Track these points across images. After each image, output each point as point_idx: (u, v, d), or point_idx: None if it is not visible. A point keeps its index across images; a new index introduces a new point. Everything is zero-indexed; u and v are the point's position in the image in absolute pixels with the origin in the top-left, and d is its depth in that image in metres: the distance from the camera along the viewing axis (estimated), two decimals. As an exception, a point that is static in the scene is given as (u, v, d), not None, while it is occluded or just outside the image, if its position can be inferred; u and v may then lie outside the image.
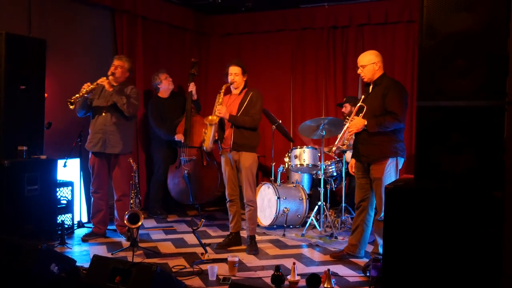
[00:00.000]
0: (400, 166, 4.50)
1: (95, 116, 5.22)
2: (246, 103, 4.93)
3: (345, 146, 4.58)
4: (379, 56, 4.52)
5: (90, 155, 5.34)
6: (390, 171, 4.42)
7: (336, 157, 6.15)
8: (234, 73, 4.96)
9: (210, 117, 4.91)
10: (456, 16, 2.78)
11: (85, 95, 4.99)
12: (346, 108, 6.17)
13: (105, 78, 5.08)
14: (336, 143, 4.65)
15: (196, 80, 6.56)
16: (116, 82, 5.19)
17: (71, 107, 4.85)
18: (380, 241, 4.48)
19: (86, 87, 4.96)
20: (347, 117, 4.54)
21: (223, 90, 4.98)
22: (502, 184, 2.68)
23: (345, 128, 4.55)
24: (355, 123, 4.44)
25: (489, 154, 2.72)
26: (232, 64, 5.02)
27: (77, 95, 4.89)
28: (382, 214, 4.43)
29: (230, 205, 5.12)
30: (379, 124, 4.34)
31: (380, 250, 4.43)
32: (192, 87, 6.36)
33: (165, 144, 6.48)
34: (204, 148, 5.03)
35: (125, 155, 5.24)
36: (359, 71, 4.55)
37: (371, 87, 4.55)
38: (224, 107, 4.88)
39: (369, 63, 4.48)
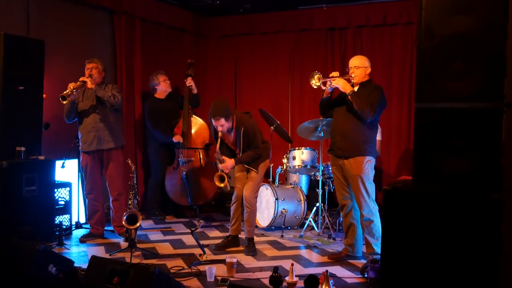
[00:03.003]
0: (373, 165, 4.61)
1: (83, 119, 5.29)
2: (242, 140, 4.95)
3: (323, 94, 4.66)
4: (370, 62, 4.67)
5: (81, 156, 5.35)
6: (369, 169, 4.53)
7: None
8: (220, 125, 4.83)
9: (217, 177, 4.98)
10: (455, 18, 2.79)
11: (74, 92, 5.01)
12: None
13: (85, 77, 5.15)
14: (322, 78, 4.53)
15: (195, 81, 6.54)
16: (95, 83, 5.23)
17: (64, 102, 4.90)
18: (371, 240, 4.52)
19: (72, 85, 5.01)
20: (335, 75, 4.58)
21: (217, 148, 4.94)
22: (500, 186, 2.69)
23: (333, 76, 4.57)
24: (344, 83, 4.49)
25: (487, 156, 2.73)
26: (212, 116, 4.81)
27: (67, 91, 4.93)
28: (365, 213, 4.49)
29: (235, 208, 5.14)
30: (360, 102, 4.42)
31: (375, 249, 4.46)
32: (190, 82, 6.35)
33: (162, 146, 6.48)
34: (225, 190, 5.24)
35: (118, 150, 5.31)
36: (351, 71, 4.62)
37: (356, 87, 4.61)
38: (226, 161, 4.92)
39: (363, 66, 4.60)
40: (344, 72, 4.72)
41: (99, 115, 5.23)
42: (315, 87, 4.52)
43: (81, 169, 5.38)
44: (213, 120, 4.85)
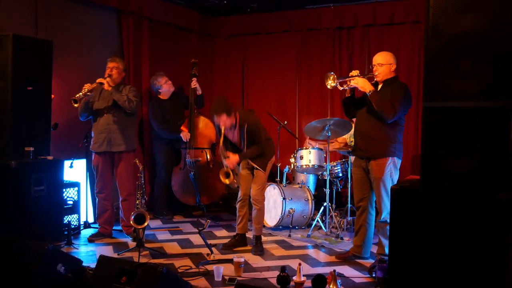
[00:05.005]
0: (398, 166, 4.52)
1: (97, 118, 5.30)
2: (246, 135, 4.92)
3: (346, 93, 4.63)
4: (395, 59, 4.56)
5: (93, 156, 5.38)
6: (391, 171, 4.45)
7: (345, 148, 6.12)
8: (222, 121, 4.83)
9: (223, 173, 4.95)
10: (462, 16, 2.77)
11: (88, 94, 5.04)
12: None
13: (103, 78, 5.15)
14: (338, 78, 4.47)
15: (201, 81, 6.54)
16: (113, 83, 5.24)
17: (75, 105, 4.91)
18: (384, 242, 4.48)
19: (88, 86, 5.03)
20: (354, 74, 4.52)
21: (221, 143, 4.95)
22: (508, 186, 2.68)
23: (352, 76, 4.50)
24: (364, 82, 4.40)
25: (495, 156, 2.71)
26: (214, 113, 4.84)
27: (80, 93, 4.96)
28: (383, 215, 4.44)
29: (241, 206, 5.12)
30: (380, 101, 4.33)
31: (386, 250, 4.43)
32: (195, 83, 6.36)
33: (167, 145, 6.49)
34: (232, 186, 5.13)
35: (129, 152, 5.30)
36: (374, 68, 4.53)
37: (380, 85, 4.54)
38: (231, 157, 4.90)
39: (387, 63, 4.49)
40: (351, 71, 4.65)
41: (113, 117, 5.23)
42: (330, 87, 4.46)
43: (93, 168, 5.41)
44: (215, 117, 4.86)
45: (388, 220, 4.37)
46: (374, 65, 4.53)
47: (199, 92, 6.42)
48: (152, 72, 6.72)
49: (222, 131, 4.91)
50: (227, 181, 5.01)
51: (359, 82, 4.41)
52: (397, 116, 4.37)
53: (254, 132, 4.94)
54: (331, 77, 4.40)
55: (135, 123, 5.46)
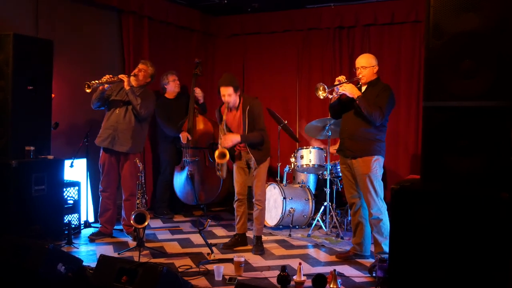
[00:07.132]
0: (382, 164, 4.61)
1: (109, 113, 5.29)
2: (247, 119, 4.87)
3: (332, 99, 4.64)
4: (377, 60, 4.66)
5: (101, 153, 5.36)
6: (377, 168, 4.53)
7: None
8: (227, 94, 4.78)
9: (218, 153, 4.83)
10: (464, 16, 2.77)
11: (104, 84, 5.04)
12: None
13: (126, 75, 5.16)
14: (327, 87, 4.44)
15: (203, 81, 6.53)
16: (136, 84, 5.25)
17: (87, 90, 4.91)
18: (380, 239, 4.52)
19: (107, 77, 5.04)
20: (346, 80, 4.55)
21: (223, 121, 4.91)
22: (510, 185, 2.67)
23: (339, 83, 4.53)
24: (351, 88, 4.47)
25: (497, 155, 2.71)
26: (222, 84, 4.82)
27: (97, 81, 4.96)
28: (373, 211, 4.49)
29: (238, 205, 5.11)
30: (368, 106, 4.41)
31: (384, 248, 4.45)
32: (198, 92, 6.39)
33: (173, 145, 6.50)
34: (220, 176, 5.06)
35: (135, 154, 5.27)
36: (358, 71, 4.61)
37: (364, 87, 4.63)
38: (228, 136, 4.84)
39: (370, 65, 4.59)
40: (352, 72, 4.68)
41: (123, 117, 5.21)
42: (322, 98, 4.47)
43: (99, 166, 5.38)
44: (221, 89, 4.79)
45: (380, 217, 4.48)
46: (358, 67, 4.62)
47: (201, 101, 6.46)
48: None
49: (224, 116, 4.88)
50: (222, 161, 4.85)
51: (347, 89, 4.48)
52: (383, 118, 4.49)
53: (256, 115, 4.88)
54: (321, 88, 4.42)
55: (145, 127, 5.42)
